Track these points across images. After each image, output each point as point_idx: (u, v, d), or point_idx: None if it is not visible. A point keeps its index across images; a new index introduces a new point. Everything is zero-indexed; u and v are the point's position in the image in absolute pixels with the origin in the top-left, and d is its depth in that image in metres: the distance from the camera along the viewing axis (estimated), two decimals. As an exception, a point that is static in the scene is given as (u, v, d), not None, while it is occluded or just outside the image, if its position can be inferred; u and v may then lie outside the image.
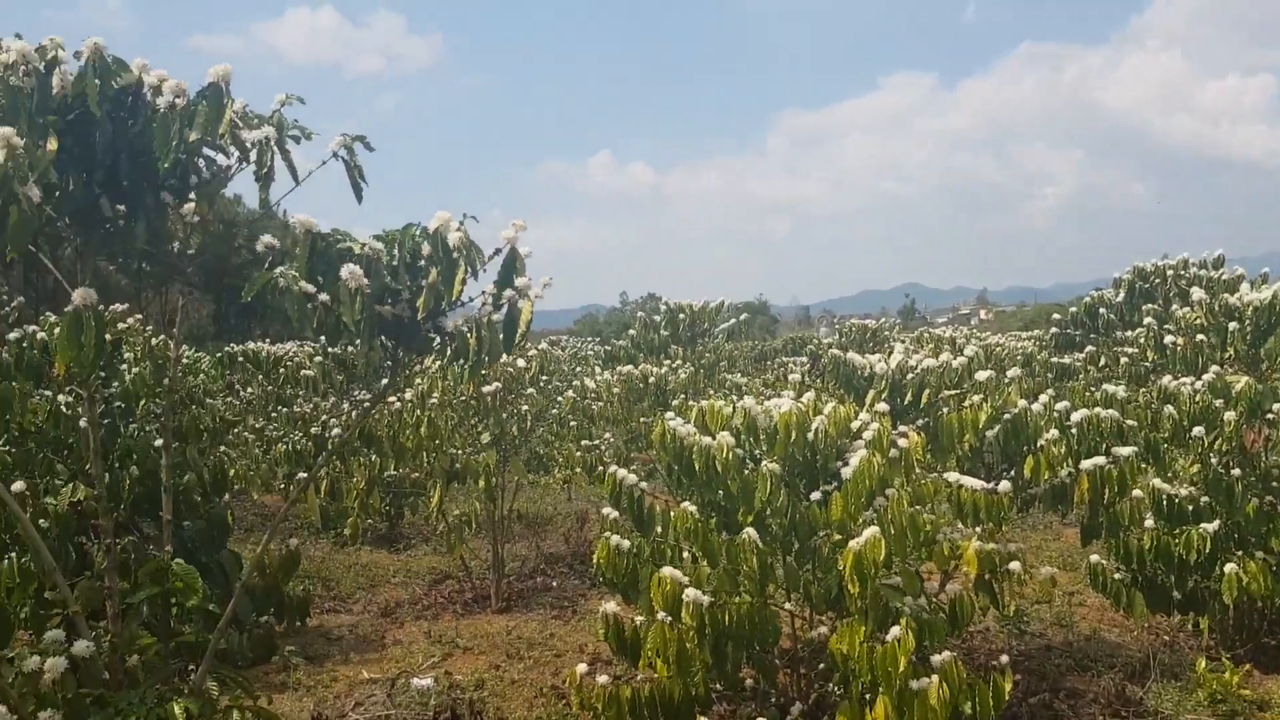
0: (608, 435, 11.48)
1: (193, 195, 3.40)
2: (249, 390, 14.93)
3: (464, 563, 8.24)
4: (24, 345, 6.23)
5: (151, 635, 3.91)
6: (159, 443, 5.82)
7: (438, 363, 8.27)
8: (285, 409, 12.74)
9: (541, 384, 8.73)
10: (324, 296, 3.11)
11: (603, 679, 5.22)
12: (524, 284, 3.31)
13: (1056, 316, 11.01)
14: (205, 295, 35.73)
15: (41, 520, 4.95)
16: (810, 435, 5.10)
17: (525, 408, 8.16)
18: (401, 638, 6.90)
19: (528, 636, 6.83)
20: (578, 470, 10.72)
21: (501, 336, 3.29)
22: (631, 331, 12.00)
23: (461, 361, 3.31)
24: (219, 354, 15.54)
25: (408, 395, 7.99)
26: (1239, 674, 5.34)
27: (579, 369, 13.86)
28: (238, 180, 3.45)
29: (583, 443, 10.81)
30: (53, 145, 2.97)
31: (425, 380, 8.06)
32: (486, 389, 7.63)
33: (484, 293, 3.39)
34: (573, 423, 11.14)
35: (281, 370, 13.61)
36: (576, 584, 8.48)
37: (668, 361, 11.24)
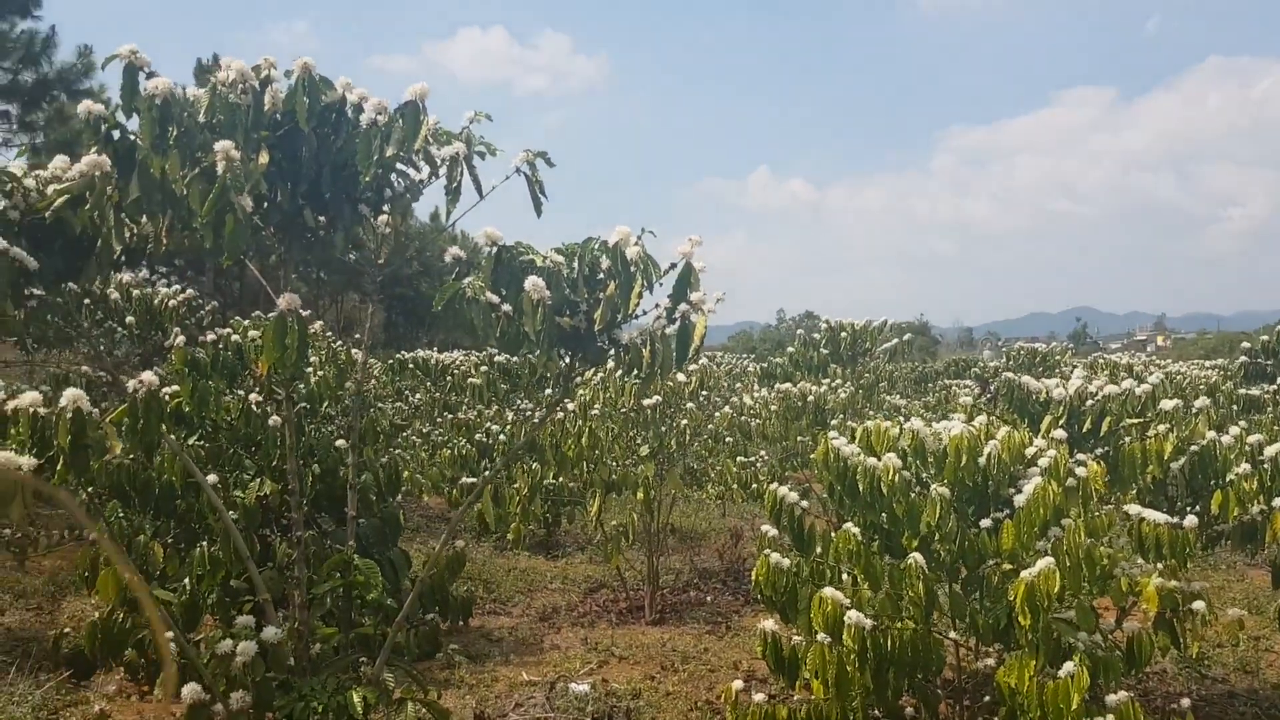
0: (763, 453, 11.41)
1: (387, 208, 3.57)
2: (417, 396, 15.54)
3: (619, 572, 8.34)
4: (220, 347, 6.66)
5: (333, 626, 4.11)
6: (340, 442, 6.14)
7: (600, 375, 8.45)
8: (450, 415, 13.20)
9: (701, 399, 8.76)
10: (507, 307, 3.21)
11: (759, 697, 5.19)
12: (698, 299, 3.34)
13: (1245, 345, 10.33)
14: (378, 304, 37.38)
15: (231, 512, 5.27)
16: (982, 460, 4.95)
17: (684, 422, 8.20)
18: (559, 643, 7.04)
19: (682, 650, 6.86)
20: (733, 486, 10.71)
21: (674, 350, 3.33)
22: (790, 349, 11.91)
23: (635, 372, 3.36)
24: (390, 361, 16.20)
25: (570, 406, 8.15)
26: None
27: (737, 385, 13.82)
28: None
29: (739, 459, 10.79)
30: (264, 159, 3.18)
31: (588, 391, 8.22)
32: (647, 402, 7.71)
33: (658, 305, 3.44)
34: (729, 439, 11.12)
35: (448, 378, 14.11)
36: (730, 600, 8.46)
37: (826, 380, 11.10)
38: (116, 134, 3.18)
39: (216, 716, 3.45)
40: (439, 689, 5.52)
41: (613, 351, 3.43)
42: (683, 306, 3.34)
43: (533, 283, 3.10)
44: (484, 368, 12.04)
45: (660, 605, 8.09)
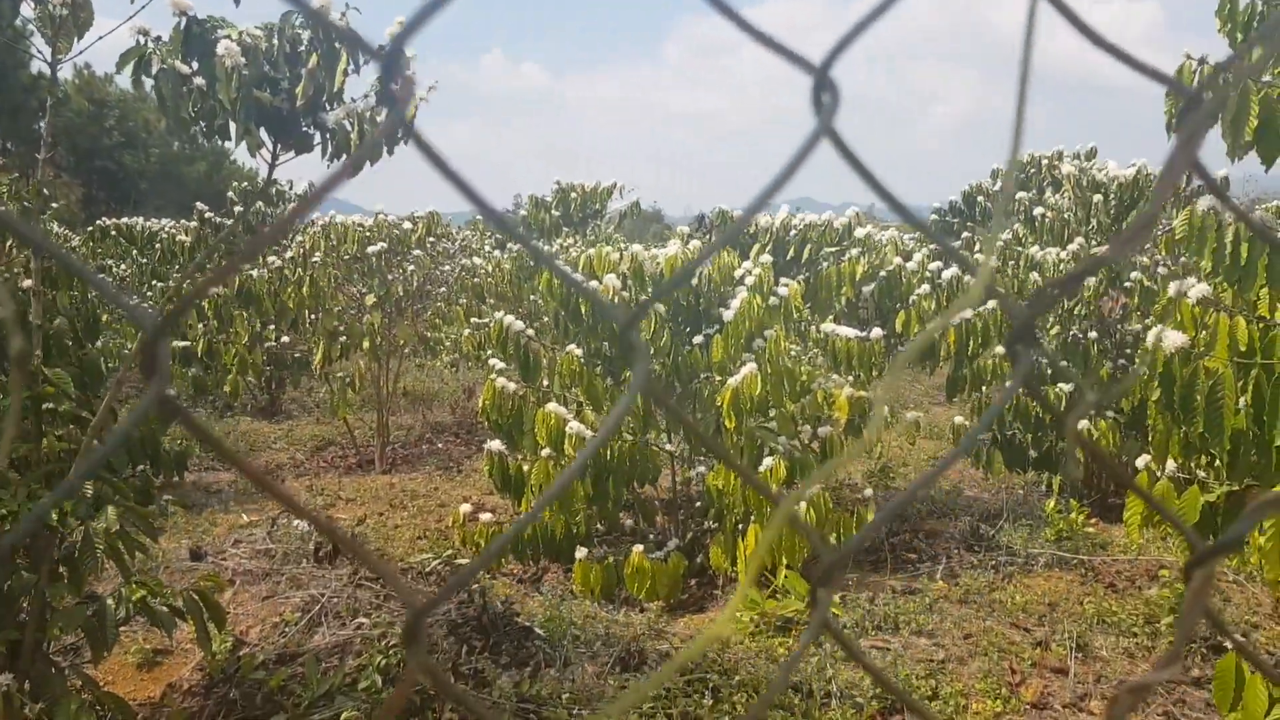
0: (498, 315, 11.42)
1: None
2: (122, 267, 14.33)
3: (348, 427, 8.20)
4: None
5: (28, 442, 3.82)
6: (26, 283, 5.61)
7: (318, 223, 8.11)
8: (161, 285, 12.29)
9: (429, 245, 8.62)
10: (199, 80, 3.01)
11: (486, 516, 5.33)
12: (408, 80, 3.25)
13: (935, 204, 11.30)
14: (74, 178, 33.87)
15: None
16: (695, 281, 5.20)
17: (411, 269, 8.06)
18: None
19: (412, 490, 6.88)
20: (466, 350, 10.69)
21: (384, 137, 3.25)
22: (522, 211, 11.87)
23: (344, 157, 3.26)
24: (90, 229, 14.81)
25: (288, 254, 7.80)
26: (1085, 513, 5.73)
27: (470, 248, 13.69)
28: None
29: (472, 320, 10.76)
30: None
31: (308, 239, 7.89)
32: (371, 249, 7.51)
33: (368, 91, 3.34)
34: (462, 300, 11.06)
35: (156, 245, 13.09)
36: (463, 450, 8.53)
37: (558, 240, 11.18)
38: None
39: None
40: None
41: (318, 136, 3.30)
42: (393, 87, 3.24)
43: (226, 47, 2.91)
44: (194, 223, 11.25)
45: (391, 458, 8.04)
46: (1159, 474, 3.15)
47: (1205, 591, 0.36)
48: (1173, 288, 2.91)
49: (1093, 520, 6.08)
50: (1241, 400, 2.77)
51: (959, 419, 6.63)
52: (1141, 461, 3.22)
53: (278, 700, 3.59)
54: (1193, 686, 3.92)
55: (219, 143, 3.27)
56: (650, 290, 5.32)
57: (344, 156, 3.28)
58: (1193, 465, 3.10)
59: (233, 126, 3.10)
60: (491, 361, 5.61)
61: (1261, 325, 2.84)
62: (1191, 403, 2.75)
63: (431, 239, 8.69)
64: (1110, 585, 5.03)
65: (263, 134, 3.30)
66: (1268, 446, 2.70)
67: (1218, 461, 3.03)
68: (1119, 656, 4.17)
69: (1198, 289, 3.00)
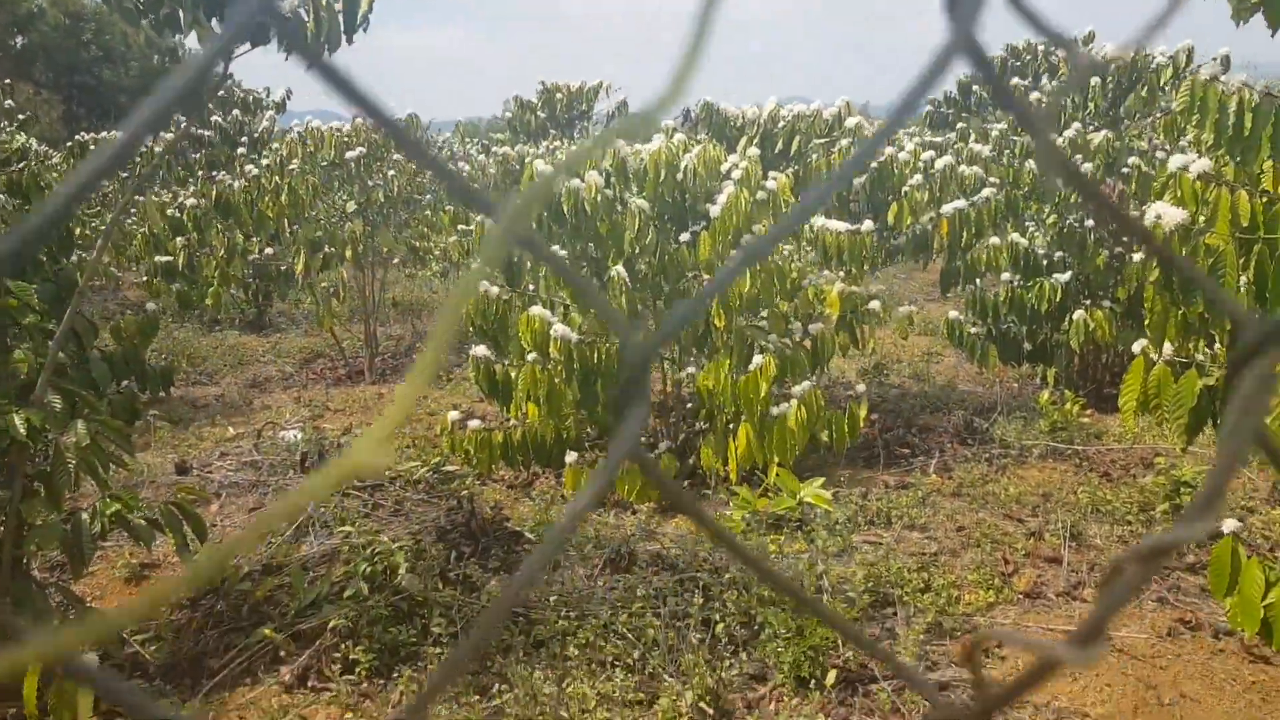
0: (479, 217, 11.23)
1: None
2: (104, 183, 14.07)
3: (336, 339, 8.10)
4: None
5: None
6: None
7: (292, 134, 7.88)
8: (141, 198, 12.06)
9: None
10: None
11: (474, 423, 5.26)
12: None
13: (930, 96, 10.97)
14: (54, 94, 33.07)
15: None
16: (680, 176, 5.04)
17: (392, 173, 7.86)
18: (270, 404, 6.80)
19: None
20: (455, 258, 10.53)
21: (342, 20, 3.08)
22: (508, 113, 11.58)
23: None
24: (69, 145, 14.48)
25: (264, 162, 7.60)
26: (1080, 403, 5.67)
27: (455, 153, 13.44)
28: None
29: (459, 228, 10.58)
30: None
31: (285, 146, 7.67)
32: (350, 154, 7.30)
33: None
34: (448, 207, 10.87)
35: (137, 160, 12.80)
36: (453, 358, 8.44)
37: (545, 143, 10.93)
38: None
39: None
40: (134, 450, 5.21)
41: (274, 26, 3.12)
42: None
43: (164, -72, 2.72)
44: (169, 134, 10.96)
45: (381, 369, 7.96)
46: (1156, 358, 3.06)
47: (1262, 395, 0.26)
48: (1173, 162, 2.78)
49: (1088, 411, 6.03)
50: (1243, 278, 2.67)
51: (953, 313, 6.53)
52: (1138, 346, 3.12)
53: (264, 611, 3.56)
54: (1187, 572, 3.89)
55: (171, 37, 3.10)
56: (635, 188, 5.16)
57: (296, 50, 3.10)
58: (1190, 348, 3.00)
59: (181, 16, 2.93)
60: (475, 266, 5.48)
61: (1265, 199, 2.72)
62: (1191, 281, 2.64)
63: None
64: (1105, 474, 4.99)
65: (215, 26, 3.12)
66: None
67: (1217, 344, 2.94)
68: (1113, 545, 4.15)
69: (1199, 164, 2.87)
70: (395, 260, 12.58)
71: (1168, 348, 3.03)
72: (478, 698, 3.03)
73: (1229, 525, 2.79)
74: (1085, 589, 3.78)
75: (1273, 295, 2.56)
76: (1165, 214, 2.64)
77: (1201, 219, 2.72)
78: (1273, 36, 2.74)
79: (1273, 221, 2.64)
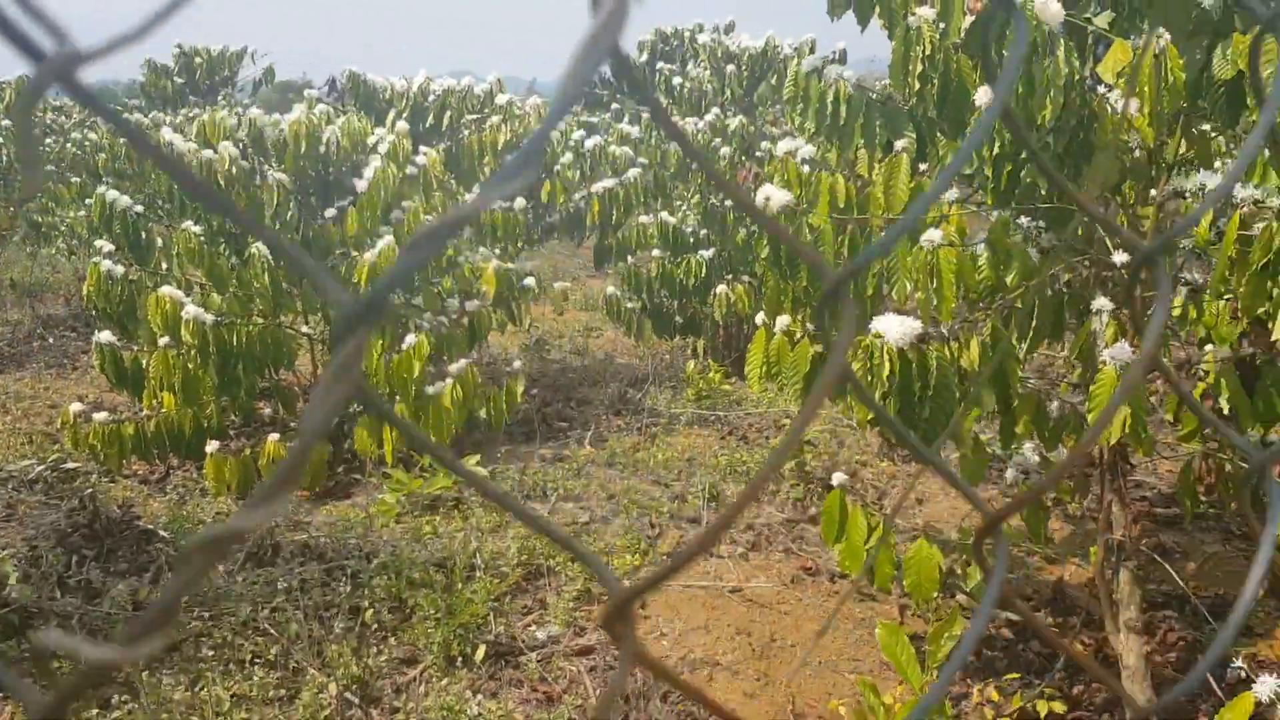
0: (100, 190, 10.25)
1: None
2: None
3: (-68, 326, 7.09)
4: None
5: None
6: None
7: None
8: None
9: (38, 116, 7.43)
10: None
11: (101, 415, 4.79)
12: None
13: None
14: None
15: None
16: (322, 147, 4.84)
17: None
18: None
19: (16, 391, 6.09)
20: (82, 233, 9.53)
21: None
22: (141, 78, 10.58)
23: None
24: None
25: None
26: (723, 371, 6.05)
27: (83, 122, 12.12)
28: None
29: (87, 201, 9.58)
30: None
31: None
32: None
33: None
34: (75, 179, 9.79)
35: None
36: (80, 345, 7.65)
37: (184, 111, 10.10)
38: None
39: None
40: None
41: None
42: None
43: None
44: None
45: (-8, 358, 7.07)
46: (774, 329, 3.31)
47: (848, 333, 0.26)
48: (781, 147, 3.00)
49: (730, 379, 6.45)
50: (842, 256, 2.93)
51: (611, 289, 6.74)
52: (760, 318, 3.36)
53: None
54: (810, 524, 4.27)
55: None
56: (275, 161, 4.89)
57: None
58: (802, 319, 3.27)
59: None
60: (99, 244, 4.98)
61: (859, 183, 3.00)
62: (795, 258, 2.88)
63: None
64: (743, 438, 5.37)
65: None
66: (862, 296, 2.89)
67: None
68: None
69: (806, 149, 3.12)
70: (16, 238, 11.21)
71: (784, 319, 3.29)
72: (97, 711, 2.77)
73: (838, 478, 3.08)
74: (721, 545, 4.04)
75: (863, 269, 2.84)
76: (773, 196, 2.85)
77: (806, 200, 2.97)
78: (862, 34, 3.02)
79: (864, 203, 2.92)
